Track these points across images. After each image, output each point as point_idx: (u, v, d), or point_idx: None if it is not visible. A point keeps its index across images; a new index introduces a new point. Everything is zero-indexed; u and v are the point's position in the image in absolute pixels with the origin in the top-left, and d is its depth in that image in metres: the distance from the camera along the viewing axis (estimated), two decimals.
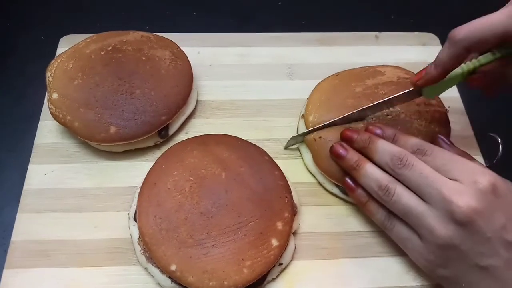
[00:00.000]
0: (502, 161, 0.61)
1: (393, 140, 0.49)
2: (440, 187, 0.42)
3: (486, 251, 0.41)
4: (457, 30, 0.45)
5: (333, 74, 0.62)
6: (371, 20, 0.80)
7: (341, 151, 0.51)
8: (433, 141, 0.51)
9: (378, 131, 0.50)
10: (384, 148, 0.48)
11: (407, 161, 0.45)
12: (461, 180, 0.43)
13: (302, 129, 0.60)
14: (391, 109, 0.55)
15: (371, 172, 0.48)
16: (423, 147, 0.46)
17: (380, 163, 0.48)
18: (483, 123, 0.65)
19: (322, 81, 0.61)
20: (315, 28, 0.75)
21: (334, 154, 0.52)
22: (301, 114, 0.62)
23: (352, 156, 0.50)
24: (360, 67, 0.62)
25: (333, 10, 0.82)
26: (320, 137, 0.55)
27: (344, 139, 0.52)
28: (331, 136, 0.55)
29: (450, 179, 0.43)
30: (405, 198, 0.45)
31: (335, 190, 0.57)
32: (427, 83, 0.50)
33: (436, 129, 0.55)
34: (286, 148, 0.61)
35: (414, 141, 0.48)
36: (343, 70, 0.62)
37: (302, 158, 0.60)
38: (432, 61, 0.49)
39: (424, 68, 0.50)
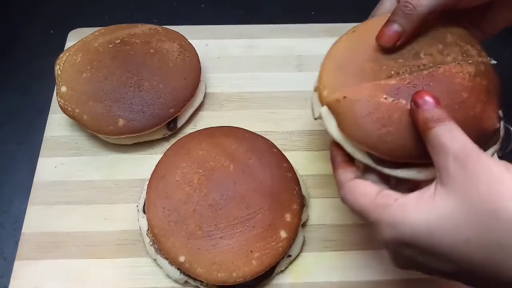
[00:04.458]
0: None
1: None
2: None
3: None
4: None
5: (349, 31, 0.49)
6: None
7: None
8: (484, 95, 0.42)
9: None
10: None
11: None
12: None
13: (317, 105, 0.47)
14: (424, 62, 0.43)
15: None
16: None
17: None
18: None
19: (336, 41, 0.49)
20: (324, 19, 0.74)
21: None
22: (315, 87, 0.50)
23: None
24: (379, 18, 0.48)
25: (342, 0, 0.81)
26: (344, 97, 0.43)
27: None
28: (359, 94, 0.43)
29: None
30: None
31: (368, 161, 0.45)
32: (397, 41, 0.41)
33: (484, 82, 0.43)
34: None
35: None
36: (360, 24, 0.49)
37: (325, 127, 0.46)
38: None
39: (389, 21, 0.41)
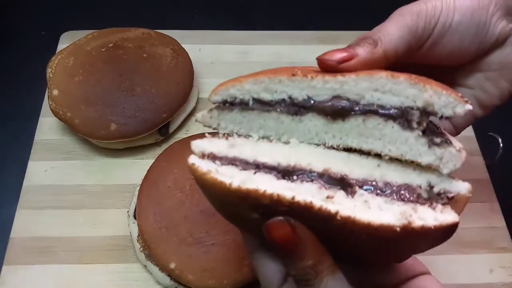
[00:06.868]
0: (501, 161, 0.61)
1: None
2: None
3: None
4: None
5: None
6: (372, 18, 0.79)
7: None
8: None
9: None
10: None
11: None
12: None
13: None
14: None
15: None
16: None
17: None
18: (483, 123, 0.65)
19: None
20: (316, 27, 0.75)
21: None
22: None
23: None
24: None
25: (335, 8, 0.82)
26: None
27: None
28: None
29: None
30: None
31: None
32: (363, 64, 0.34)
33: None
34: None
35: None
36: None
37: None
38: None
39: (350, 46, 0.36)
